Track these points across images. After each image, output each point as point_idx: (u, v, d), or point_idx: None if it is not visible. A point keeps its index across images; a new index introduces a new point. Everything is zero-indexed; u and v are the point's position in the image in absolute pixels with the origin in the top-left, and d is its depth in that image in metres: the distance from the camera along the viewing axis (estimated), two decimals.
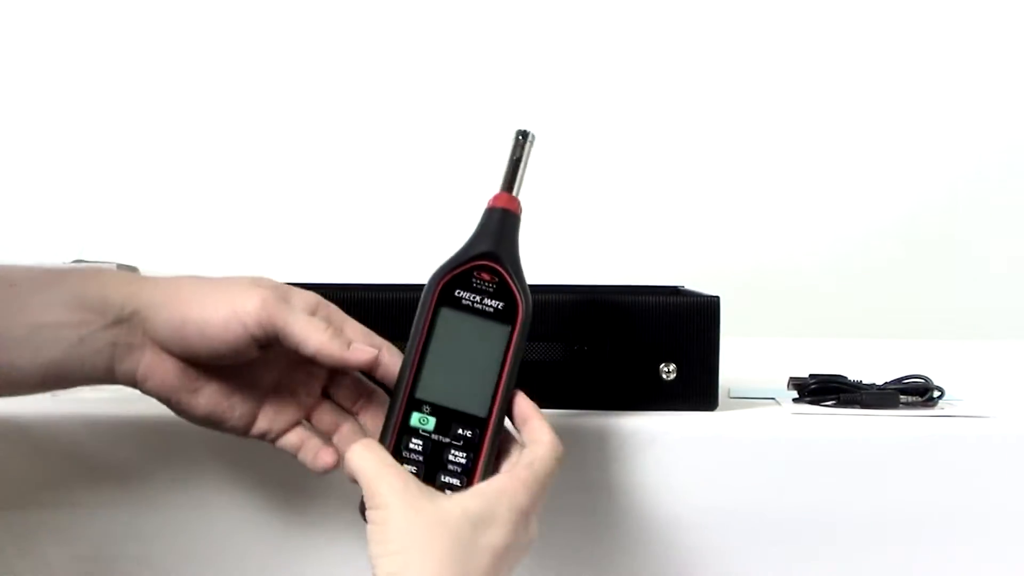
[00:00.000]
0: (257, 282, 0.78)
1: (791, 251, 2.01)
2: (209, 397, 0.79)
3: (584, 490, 0.89)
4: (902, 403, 0.96)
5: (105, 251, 1.29)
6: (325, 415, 0.82)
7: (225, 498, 0.89)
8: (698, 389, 0.92)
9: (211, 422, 0.80)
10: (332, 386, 0.83)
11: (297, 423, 0.81)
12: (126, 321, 0.77)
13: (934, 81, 2.00)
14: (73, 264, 0.81)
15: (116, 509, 0.89)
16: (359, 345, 0.77)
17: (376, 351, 0.77)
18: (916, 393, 0.98)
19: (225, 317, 0.75)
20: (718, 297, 0.92)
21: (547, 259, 1.97)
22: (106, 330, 0.77)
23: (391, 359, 0.78)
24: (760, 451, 0.89)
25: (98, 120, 1.96)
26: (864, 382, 0.98)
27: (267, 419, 0.81)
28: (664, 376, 0.92)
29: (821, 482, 0.88)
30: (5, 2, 1.97)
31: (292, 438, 0.81)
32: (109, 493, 0.89)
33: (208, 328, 0.76)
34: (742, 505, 0.88)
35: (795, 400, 0.98)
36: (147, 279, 0.79)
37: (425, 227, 1.92)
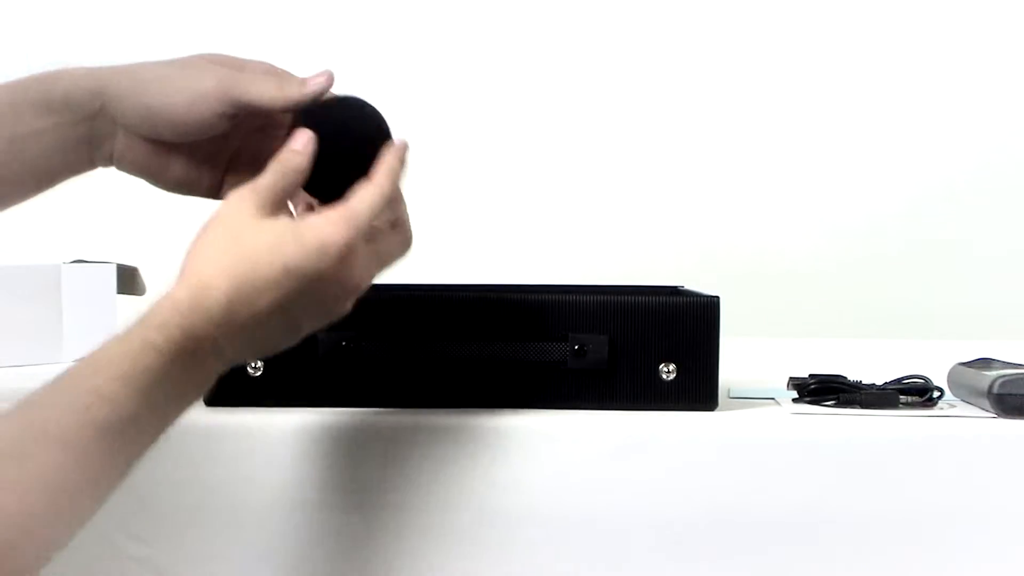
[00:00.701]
0: (212, 59, 0.82)
1: (791, 251, 2.01)
2: (179, 170, 0.84)
3: (584, 490, 0.89)
4: (902, 403, 0.96)
5: (105, 251, 1.29)
6: None
7: (227, 499, 0.89)
8: (698, 389, 0.92)
9: (183, 190, 0.86)
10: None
11: None
12: (97, 114, 0.82)
13: (934, 80, 2.00)
14: (35, 74, 0.85)
15: (116, 509, 0.89)
16: (312, 77, 0.82)
17: (328, 71, 0.82)
18: (916, 393, 0.98)
19: (188, 100, 0.80)
20: (718, 297, 0.92)
21: (547, 259, 1.97)
22: (79, 125, 0.82)
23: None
24: (760, 451, 0.89)
25: None
26: (864, 382, 0.98)
27: (233, 183, 0.84)
28: (664, 376, 0.92)
29: (821, 482, 0.88)
30: (6, 2, 1.97)
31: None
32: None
33: (173, 113, 0.81)
34: (742, 505, 0.88)
35: (795, 400, 0.98)
36: (106, 70, 0.82)
37: (425, 228, 1.92)
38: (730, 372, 0.97)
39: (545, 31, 2.00)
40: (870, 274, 2.01)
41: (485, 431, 0.89)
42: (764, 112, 2.01)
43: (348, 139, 0.81)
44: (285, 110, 0.82)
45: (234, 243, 0.73)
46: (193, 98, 0.80)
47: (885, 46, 2.00)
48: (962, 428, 0.90)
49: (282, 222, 0.75)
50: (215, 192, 0.86)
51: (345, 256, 0.75)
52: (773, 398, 1.00)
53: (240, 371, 0.92)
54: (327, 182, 0.80)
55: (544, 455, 0.89)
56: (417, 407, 0.91)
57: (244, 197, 0.76)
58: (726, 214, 2.01)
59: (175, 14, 1.99)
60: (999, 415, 0.92)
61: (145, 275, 1.31)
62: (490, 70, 2.00)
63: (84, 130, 0.82)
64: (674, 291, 1.07)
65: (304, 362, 0.92)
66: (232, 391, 0.92)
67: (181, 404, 0.72)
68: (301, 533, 0.89)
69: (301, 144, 0.78)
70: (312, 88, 0.81)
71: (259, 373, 0.92)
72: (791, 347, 1.52)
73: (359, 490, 0.89)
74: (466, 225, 1.93)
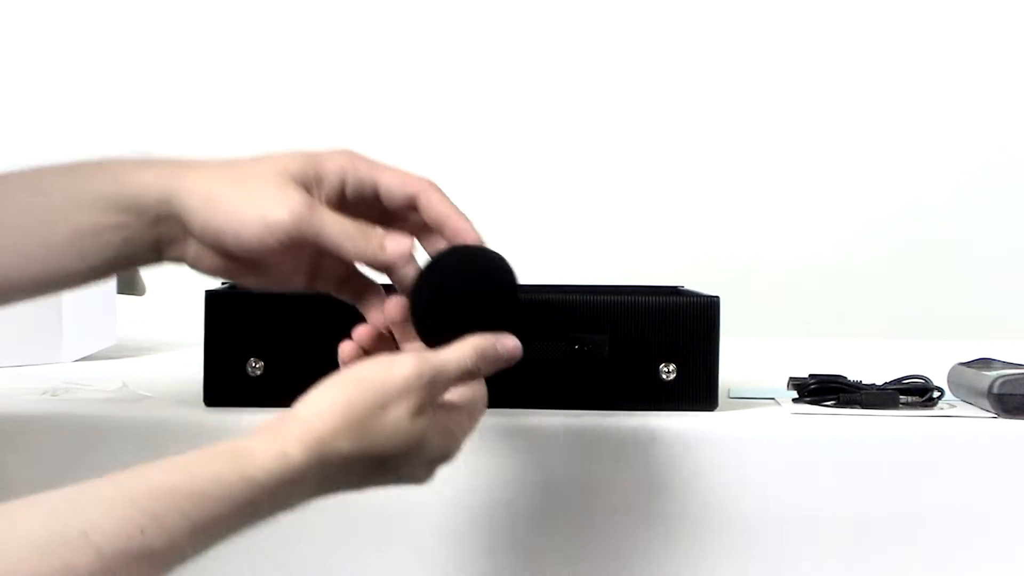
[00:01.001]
0: (285, 180, 0.76)
1: (791, 251, 2.01)
2: (258, 277, 0.80)
3: (584, 490, 0.89)
4: (902, 403, 0.96)
5: None
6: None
7: None
8: (698, 389, 0.92)
9: (269, 290, 0.83)
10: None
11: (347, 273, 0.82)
12: (165, 220, 0.77)
13: (934, 81, 2.00)
14: (95, 160, 0.80)
15: None
16: (393, 246, 0.76)
17: (409, 244, 0.77)
18: (916, 393, 0.98)
19: (258, 233, 0.75)
20: (718, 297, 0.92)
21: (547, 259, 1.97)
22: (148, 229, 0.77)
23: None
24: (760, 451, 0.89)
25: (98, 122, 1.96)
26: (864, 382, 0.98)
27: (322, 280, 0.81)
28: (664, 376, 0.92)
29: (821, 482, 0.88)
30: (6, 2, 1.97)
31: (347, 292, 0.82)
32: None
33: (243, 242, 0.76)
34: (742, 505, 0.88)
35: (795, 400, 0.98)
36: (175, 172, 0.77)
37: None
38: (730, 372, 0.96)
39: (545, 32, 2.00)
40: (870, 274, 2.01)
41: (484, 431, 0.89)
42: (764, 113, 2.01)
43: (472, 302, 0.76)
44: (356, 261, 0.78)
45: (371, 437, 0.71)
46: (263, 231, 0.75)
47: (885, 47, 2.00)
48: (962, 428, 0.90)
49: (426, 430, 0.73)
50: (305, 288, 0.81)
51: (432, 456, 0.75)
52: (773, 398, 1.00)
53: (240, 371, 0.92)
54: (437, 331, 0.75)
55: (544, 455, 0.89)
56: None
57: (414, 388, 0.71)
58: (726, 214, 2.01)
59: (174, 14, 1.99)
60: (999, 415, 0.92)
61: (145, 275, 1.31)
62: (492, 72, 2.00)
63: (153, 234, 0.77)
64: (674, 291, 1.07)
65: (304, 362, 0.92)
66: (232, 391, 0.92)
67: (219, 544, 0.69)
68: (300, 532, 0.89)
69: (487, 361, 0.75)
70: (390, 257, 0.76)
71: (259, 373, 0.92)
72: (791, 347, 1.52)
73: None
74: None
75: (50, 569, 0.60)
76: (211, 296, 0.93)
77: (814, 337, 1.70)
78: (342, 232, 0.75)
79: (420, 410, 0.72)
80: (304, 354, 0.91)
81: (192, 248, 0.78)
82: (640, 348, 0.92)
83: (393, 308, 0.78)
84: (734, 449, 0.89)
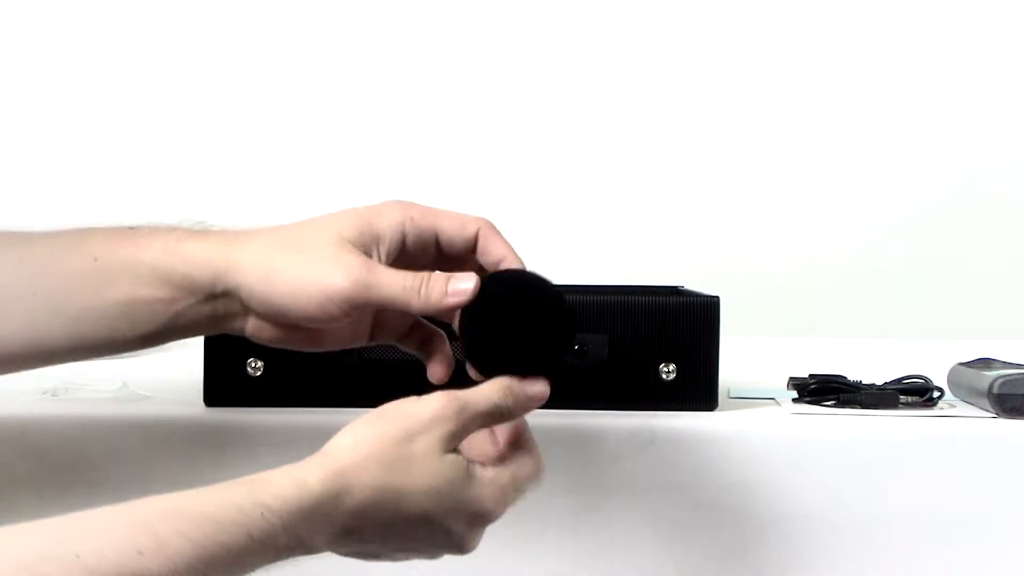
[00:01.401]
0: (341, 244, 0.75)
1: (791, 251, 2.01)
2: (322, 342, 0.80)
3: (584, 490, 0.89)
4: (902, 403, 0.96)
5: None
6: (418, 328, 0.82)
7: None
8: (698, 389, 0.92)
9: (333, 350, 0.81)
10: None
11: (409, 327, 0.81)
12: (221, 297, 0.77)
13: (934, 82, 2.00)
14: (147, 226, 0.80)
15: None
16: (453, 293, 0.74)
17: (472, 286, 0.74)
18: (916, 393, 0.98)
19: (320, 302, 0.74)
20: (718, 297, 0.92)
21: (547, 259, 1.97)
22: (201, 304, 0.77)
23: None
24: (760, 451, 0.89)
25: (99, 122, 1.96)
26: (864, 382, 0.98)
27: (384, 334, 0.81)
28: (664, 376, 0.92)
29: (821, 482, 0.88)
30: (6, 2, 1.97)
31: (410, 343, 0.82)
32: (109, 494, 0.89)
33: (305, 313, 0.75)
34: (741, 505, 0.88)
35: (795, 400, 0.98)
36: (230, 246, 0.77)
37: None
38: (730, 372, 0.96)
39: (545, 32, 2.00)
40: (870, 274, 2.01)
41: None
42: (765, 112, 2.01)
43: (526, 329, 0.73)
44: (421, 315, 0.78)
45: (397, 470, 0.68)
46: (324, 301, 0.74)
47: (886, 49, 2.00)
48: (962, 428, 0.90)
49: (458, 467, 0.70)
50: (370, 342, 0.82)
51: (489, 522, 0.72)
52: (773, 398, 1.00)
53: (240, 371, 0.92)
54: (491, 359, 0.74)
55: (544, 455, 0.89)
56: None
57: (442, 420, 0.70)
58: (726, 214, 2.01)
59: (175, 14, 1.99)
60: (999, 415, 0.92)
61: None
62: (492, 71, 2.00)
63: (207, 309, 0.77)
64: (674, 291, 1.07)
65: (304, 362, 0.92)
66: (232, 391, 0.92)
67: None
68: None
69: (516, 404, 0.73)
70: (452, 302, 0.74)
71: (259, 373, 0.92)
72: (791, 347, 1.52)
73: None
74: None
75: None
76: None
77: (814, 337, 1.70)
78: (403, 289, 0.74)
79: (449, 442, 0.70)
80: (304, 354, 0.91)
81: (251, 322, 0.78)
82: (640, 348, 0.92)
83: (438, 373, 0.79)
84: (734, 449, 0.89)
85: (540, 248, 2.10)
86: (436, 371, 0.80)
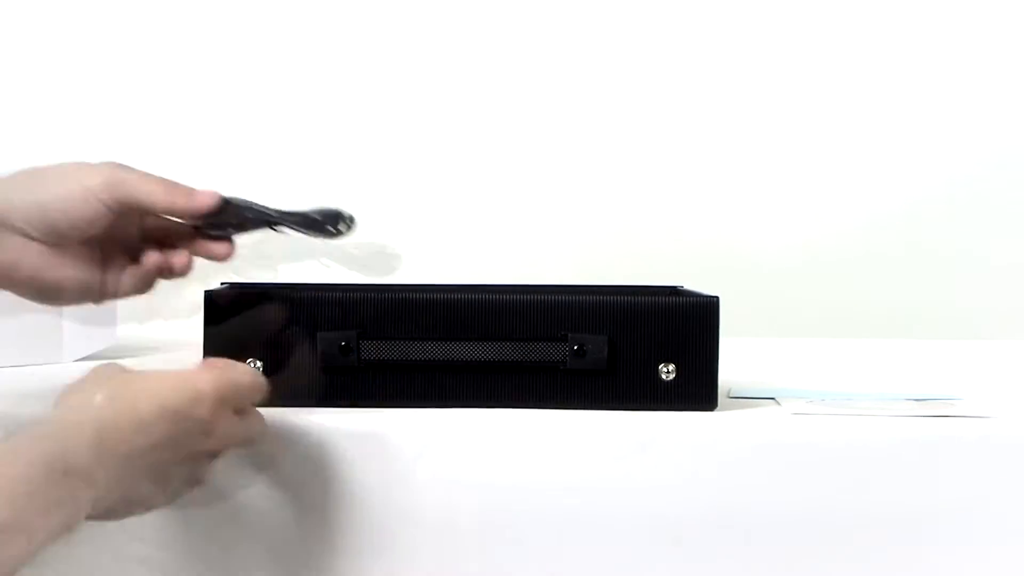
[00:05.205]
0: (91, 164, 0.87)
1: (791, 251, 2.01)
2: (72, 271, 0.88)
3: (583, 490, 0.89)
4: (902, 403, 0.96)
5: None
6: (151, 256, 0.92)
7: (227, 498, 0.89)
8: (698, 389, 0.92)
9: (73, 297, 0.90)
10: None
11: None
12: None
13: (934, 81, 2.00)
14: None
15: None
16: (200, 192, 0.88)
17: (218, 192, 0.88)
18: None
19: (82, 195, 0.85)
20: (718, 297, 0.92)
21: (547, 259, 1.97)
22: None
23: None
24: (760, 451, 0.89)
25: (97, 123, 1.96)
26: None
27: (114, 279, 0.91)
28: (664, 376, 0.92)
29: (821, 483, 0.88)
30: (6, 2, 1.97)
31: (132, 282, 0.92)
32: None
33: (69, 207, 0.85)
34: (741, 505, 0.88)
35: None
36: None
37: (425, 228, 1.92)
38: (730, 372, 0.97)
39: (544, 30, 2.00)
40: (870, 274, 2.01)
41: (485, 431, 0.89)
42: (764, 112, 2.01)
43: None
44: (169, 215, 0.89)
45: (115, 383, 0.77)
46: (86, 192, 0.85)
47: (885, 47, 2.00)
48: (962, 428, 0.90)
49: (161, 371, 0.79)
50: (102, 296, 0.91)
51: (214, 407, 0.78)
52: (773, 398, 1.00)
53: None
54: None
55: (544, 455, 0.89)
56: (417, 407, 0.91)
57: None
58: (726, 214, 2.01)
59: (174, 15, 1.99)
60: None
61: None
62: (490, 70, 2.00)
63: None
64: (674, 291, 1.07)
65: (304, 362, 0.92)
66: None
67: (49, 522, 0.69)
68: (301, 533, 0.89)
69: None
70: (199, 203, 0.88)
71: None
72: (791, 347, 1.52)
73: (359, 490, 0.89)
74: (465, 225, 1.93)
75: None
76: (211, 296, 0.93)
77: (814, 337, 1.70)
78: (153, 187, 0.86)
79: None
80: (303, 354, 0.91)
81: (13, 245, 0.85)
82: (639, 348, 0.92)
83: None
84: (734, 449, 0.89)
85: (540, 248, 2.11)
86: (178, 259, 0.91)
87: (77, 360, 1.22)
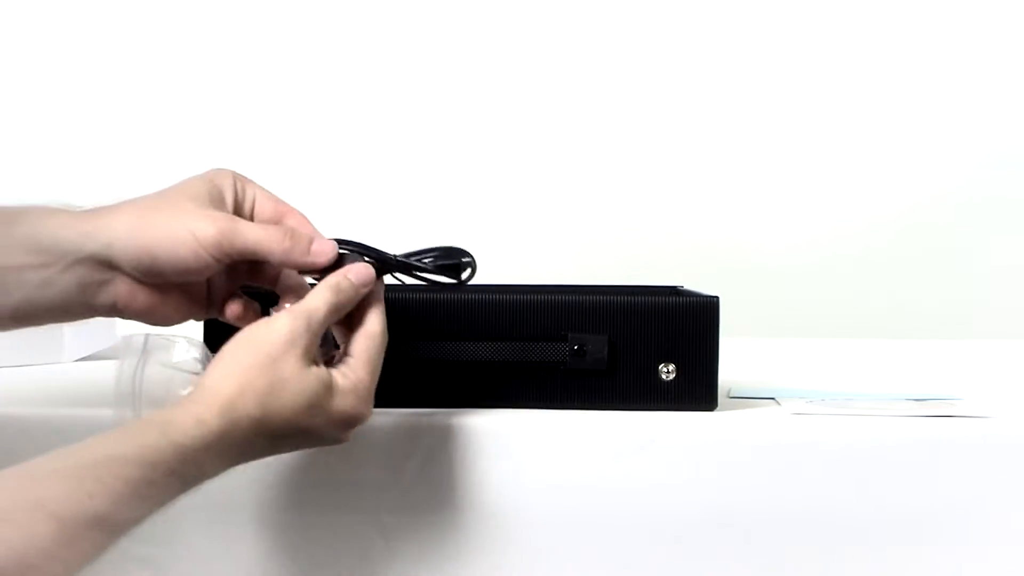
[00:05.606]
0: (202, 201, 0.81)
1: (791, 251, 2.01)
2: (179, 307, 0.84)
3: (583, 490, 0.89)
4: (902, 403, 0.96)
5: None
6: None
7: (228, 498, 0.89)
8: (697, 389, 0.92)
9: (174, 323, 0.86)
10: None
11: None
12: (88, 261, 0.80)
13: (934, 81, 2.00)
14: (27, 205, 0.83)
15: None
16: (318, 247, 0.82)
17: (334, 245, 0.83)
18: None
19: (191, 247, 0.79)
20: (718, 297, 0.92)
21: (547, 259, 1.97)
22: (68, 271, 0.80)
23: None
24: (760, 451, 0.89)
25: (95, 123, 1.96)
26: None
27: (218, 310, 0.86)
28: (663, 376, 0.92)
29: (821, 483, 0.88)
30: (5, 1, 1.97)
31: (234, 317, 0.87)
32: None
33: (177, 258, 0.80)
34: (741, 505, 0.88)
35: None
36: (99, 214, 0.81)
37: (425, 228, 1.92)
38: (730, 372, 0.97)
39: (545, 30, 2.00)
40: (870, 274, 2.01)
41: (485, 431, 0.89)
42: (765, 112, 2.01)
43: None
44: (285, 267, 0.84)
45: (271, 396, 0.76)
46: (194, 245, 0.79)
47: (886, 48, 2.00)
48: (962, 428, 0.90)
49: (322, 380, 0.78)
50: (202, 315, 0.87)
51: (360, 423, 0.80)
52: (773, 398, 1.00)
53: None
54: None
55: (544, 455, 0.89)
56: (417, 407, 0.91)
57: (295, 337, 0.77)
58: (726, 214, 2.02)
59: (174, 14, 1.99)
60: None
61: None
62: (491, 71, 2.00)
63: (74, 276, 0.80)
64: (674, 291, 1.07)
65: None
66: None
67: (142, 515, 0.72)
68: (301, 533, 0.89)
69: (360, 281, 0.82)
70: (316, 259, 0.82)
71: None
72: (791, 347, 1.52)
73: (359, 490, 0.89)
74: (465, 225, 1.93)
75: (17, 538, 0.64)
76: None
77: (814, 337, 1.70)
78: (267, 238, 0.81)
79: (308, 357, 0.77)
80: None
81: (122, 288, 0.81)
82: (639, 348, 0.92)
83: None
84: (733, 449, 0.89)
85: (540, 248, 2.11)
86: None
87: (77, 360, 1.22)
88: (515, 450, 0.89)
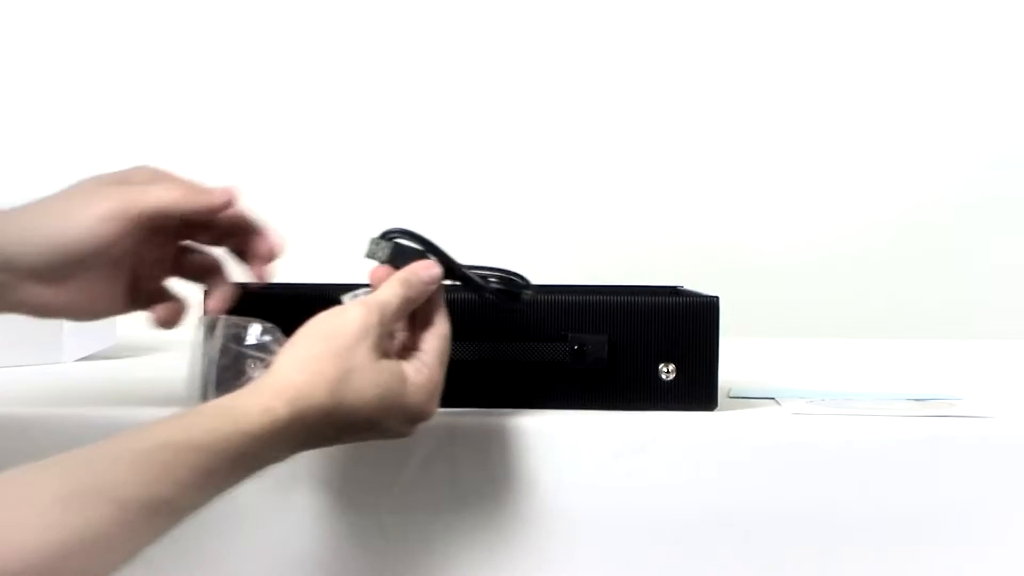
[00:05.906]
0: (96, 181, 0.81)
1: (791, 251, 2.01)
2: (98, 299, 0.82)
3: (584, 490, 0.89)
4: (902, 403, 0.96)
5: None
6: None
7: (228, 498, 0.89)
8: (697, 389, 0.92)
9: (94, 316, 0.84)
10: (179, 263, 0.87)
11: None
12: None
13: (934, 82, 2.00)
14: None
15: None
16: (216, 188, 0.81)
17: (232, 187, 0.82)
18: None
19: (88, 225, 0.78)
20: (718, 297, 0.92)
21: (547, 259, 1.97)
22: None
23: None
24: (759, 451, 0.89)
25: (93, 123, 1.96)
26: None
27: (137, 298, 0.85)
28: (663, 376, 0.92)
29: (821, 483, 0.88)
30: (5, 1, 1.97)
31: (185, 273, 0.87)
32: None
33: (78, 235, 0.78)
34: (741, 505, 0.88)
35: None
36: None
37: (425, 228, 1.92)
38: (730, 372, 0.96)
39: (545, 30, 2.00)
40: (870, 274, 2.01)
41: (485, 431, 0.89)
42: (765, 113, 2.01)
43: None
44: (193, 215, 0.82)
45: (342, 386, 0.75)
46: (96, 220, 0.78)
47: (884, 47, 2.00)
48: (962, 428, 0.90)
49: (394, 373, 0.78)
50: (124, 310, 0.85)
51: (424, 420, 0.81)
52: (773, 398, 1.00)
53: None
54: None
55: (544, 455, 0.89)
56: None
57: (368, 329, 0.77)
58: (726, 214, 2.01)
59: (174, 14, 1.99)
60: None
61: None
62: (490, 70, 2.00)
63: None
64: (673, 291, 1.07)
65: None
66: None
67: (203, 501, 0.72)
68: (301, 533, 0.89)
69: (430, 277, 0.82)
70: (220, 198, 0.81)
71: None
72: (791, 347, 1.52)
73: (359, 490, 0.89)
74: (465, 225, 1.93)
75: (76, 522, 0.63)
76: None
77: (814, 337, 1.70)
78: (164, 191, 0.80)
79: (379, 348, 0.77)
80: None
81: (24, 291, 0.79)
82: (639, 348, 0.92)
83: (214, 304, 0.85)
84: (733, 449, 0.89)
85: (540, 248, 2.10)
86: (213, 303, 0.85)
87: (77, 360, 1.22)
88: (515, 450, 0.89)
